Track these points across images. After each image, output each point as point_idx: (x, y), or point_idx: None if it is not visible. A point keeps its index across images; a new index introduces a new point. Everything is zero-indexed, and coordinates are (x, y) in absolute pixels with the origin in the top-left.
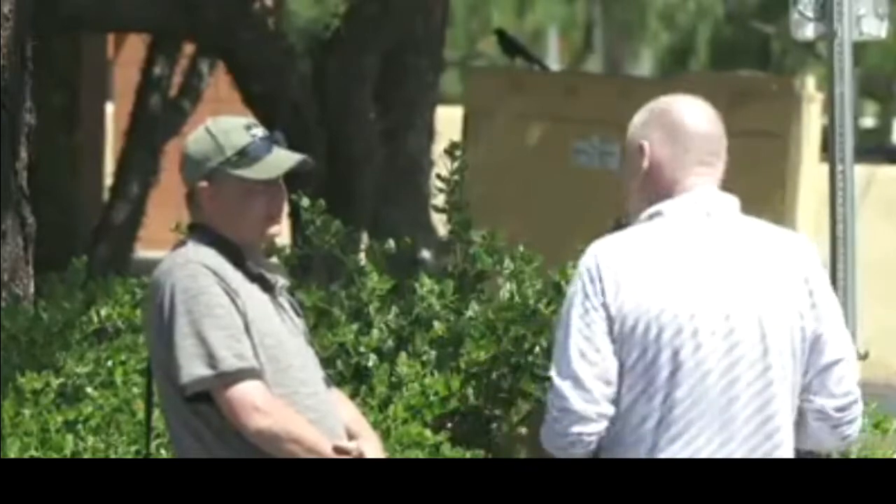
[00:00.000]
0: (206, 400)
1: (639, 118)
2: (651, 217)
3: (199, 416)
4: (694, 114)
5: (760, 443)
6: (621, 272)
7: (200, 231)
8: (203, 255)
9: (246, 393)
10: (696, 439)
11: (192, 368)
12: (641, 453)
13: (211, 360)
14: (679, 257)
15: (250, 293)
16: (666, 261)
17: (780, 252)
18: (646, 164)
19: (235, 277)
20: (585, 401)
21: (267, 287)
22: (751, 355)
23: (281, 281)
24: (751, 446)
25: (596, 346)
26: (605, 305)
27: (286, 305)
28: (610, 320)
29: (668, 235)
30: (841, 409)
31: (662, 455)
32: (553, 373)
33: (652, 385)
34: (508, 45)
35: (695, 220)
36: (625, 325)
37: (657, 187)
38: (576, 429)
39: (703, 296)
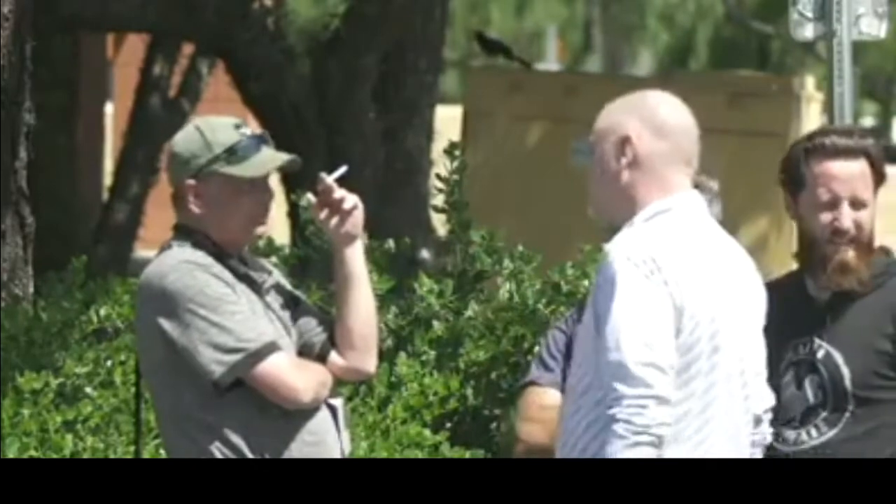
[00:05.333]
0: (236, 386)
1: (619, 109)
2: (657, 214)
3: (194, 422)
4: (681, 111)
5: (749, 446)
6: (675, 268)
7: (184, 232)
8: (190, 256)
9: (276, 368)
10: (721, 439)
11: (222, 357)
12: (680, 451)
13: (237, 343)
14: (704, 256)
15: (239, 291)
16: (698, 259)
17: (745, 256)
18: (630, 156)
19: (224, 276)
20: (668, 385)
21: (253, 286)
22: (749, 357)
23: (269, 280)
24: (747, 445)
25: (665, 336)
26: (670, 296)
27: (274, 305)
28: (674, 311)
29: (687, 234)
30: (770, 410)
31: (700, 452)
32: (628, 361)
33: (692, 381)
34: (489, 45)
35: (703, 220)
36: (682, 319)
37: (643, 183)
38: (665, 412)
39: (724, 296)
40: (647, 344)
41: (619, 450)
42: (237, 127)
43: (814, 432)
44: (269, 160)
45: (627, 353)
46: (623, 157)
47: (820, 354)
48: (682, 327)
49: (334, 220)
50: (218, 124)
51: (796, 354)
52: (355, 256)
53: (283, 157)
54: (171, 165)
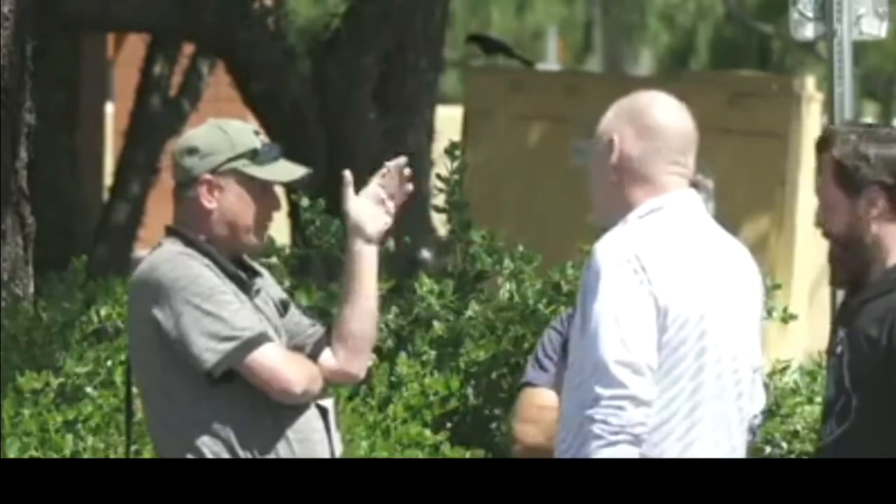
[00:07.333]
0: (227, 380)
1: (611, 112)
2: (649, 213)
3: (182, 417)
4: (668, 111)
5: (743, 442)
6: (660, 266)
7: (175, 234)
8: (182, 249)
9: (268, 358)
10: (711, 441)
11: (216, 345)
12: (670, 452)
13: (231, 332)
14: (694, 254)
15: (228, 288)
16: (687, 257)
17: (744, 253)
18: (615, 158)
19: (215, 271)
20: (645, 385)
21: (243, 287)
22: (742, 355)
23: (258, 283)
24: (741, 445)
25: (647, 335)
26: (652, 295)
27: (263, 308)
28: (656, 310)
29: (679, 231)
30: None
31: (690, 453)
32: (605, 361)
33: (679, 381)
34: (487, 44)
35: (698, 218)
36: (667, 318)
37: (631, 183)
38: (641, 412)
39: (715, 294)
40: (625, 343)
41: (594, 450)
42: (256, 133)
43: (827, 430)
44: (289, 170)
45: (604, 352)
46: (608, 158)
47: (838, 351)
48: (667, 326)
49: (374, 210)
50: (239, 126)
51: (832, 349)
52: (370, 256)
53: (300, 171)
54: (184, 158)
